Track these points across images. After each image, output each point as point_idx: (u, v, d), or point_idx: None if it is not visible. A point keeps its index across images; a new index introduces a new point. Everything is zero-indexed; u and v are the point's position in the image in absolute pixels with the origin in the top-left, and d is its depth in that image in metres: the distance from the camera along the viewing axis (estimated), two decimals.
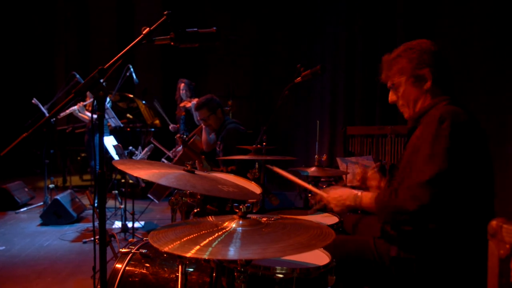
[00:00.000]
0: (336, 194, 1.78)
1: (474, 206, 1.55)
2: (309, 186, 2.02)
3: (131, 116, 7.34)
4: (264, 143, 2.68)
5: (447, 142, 1.48)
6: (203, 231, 1.28)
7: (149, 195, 4.59)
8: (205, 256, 1.13)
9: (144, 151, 4.33)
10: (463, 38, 3.71)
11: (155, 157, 4.98)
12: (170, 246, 1.18)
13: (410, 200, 1.46)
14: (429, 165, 1.47)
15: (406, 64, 1.71)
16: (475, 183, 1.55)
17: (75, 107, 5.35)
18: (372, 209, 1.64)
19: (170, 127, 6.08)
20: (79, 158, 7.49)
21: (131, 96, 7.38)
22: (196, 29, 1.45)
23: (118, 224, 4.57)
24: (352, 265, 1.69)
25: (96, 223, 1.29)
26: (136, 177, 4.28)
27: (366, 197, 1.67)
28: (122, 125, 5.63)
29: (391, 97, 1.82)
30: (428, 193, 1.44)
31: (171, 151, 5.11)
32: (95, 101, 1.29)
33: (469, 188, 1.53)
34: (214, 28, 1.49)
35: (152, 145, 4.45)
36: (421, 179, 1.46)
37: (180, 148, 4.92)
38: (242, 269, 1.24)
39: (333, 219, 2.18)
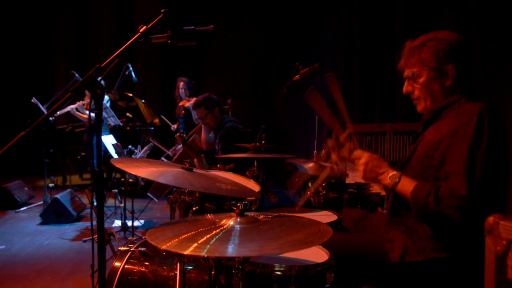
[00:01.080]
0: (374, 161, 1.64)
1: (495, 204, 1.52)
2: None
3: (130, 115, 7.34)
4: (263, 141, 2.68)
5: (488, 145, 1.44)
6: (201, 229, 1.28)
7: (148, 194, 4.60)
8: (203, 254, 1.13)
9: (144, 149, 4.34)
10: (463, 35, 3.70)
11: (154, 156, 4.98)
12: (168, 244, 1.18)
13: (455, 210, 1.41)
14: (472, 172, 1.43)
15: (431, 55, 1.63)
16: (504, 182, 1.53)
17: (73, 106, 5.35)
18: (406, 198, 1.56)
19: (171, 128, 6.08)
20: (79, 157, 7.49)
21: (131, 95, 7.38)
22: (193, 27, 1.46)
23: (118, 222, 4.58)
24: (351, 264, 1.67)
25: (95, 222, 1.29)
26: (136, 176, 4.28)
27: (404, 184, 1.56)
28: (121, 124, 5.63)
29: (407, 87, 1.73)
30: (474, 204, 1.40)
31: (170, 150, 5.11)
32: (93, 100, 1.29)
33: (500, 187, 1.51)
34: (211, 26, 1.49)
35: (151, 143, 4.45)
36: (465, 191, 1.41)
37: (179, 146, 4.92)
38: (240, 267, 1.24)
39: (332, 217, 2.19)
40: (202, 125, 4.28)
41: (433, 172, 1.57)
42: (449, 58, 1.62)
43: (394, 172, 1.60)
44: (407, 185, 1.55)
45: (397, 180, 1.58)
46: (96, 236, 1.28)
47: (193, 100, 4.96)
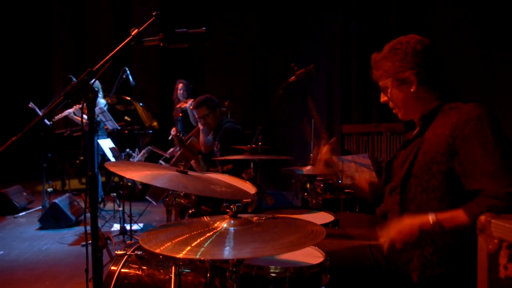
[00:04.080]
0: (399, 231, 1.52)
1: None
2: None
3: (129, 119, 7.33)
4: (260, 143, 2.68)
5: (497, 136, 1.45)
6: (195, 232, 1.28)
7: (147, 197, 4.60)
8: (197, 257, 1.13)
9: (141, 153, 4.34)
10: (458, 34, 3.71)
11: (153, 159, 4.98)
12: (161, 248, 1.18)
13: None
14: (505, 171, 1.40)
15: (389, 67, 1.67)
16: None
17: (71, 110, 5.35)
18: (460, 227, 1.41)
19: (171, 132, 6.06)
20: (77, 161, 7.48)
21: (129, 98, 7.37)
22: (185, 29, 1.46)
23: (116, 226, 4.57)
24: (347, 271, 1.67)
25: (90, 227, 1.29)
26: (133, 179, 4.28)
27: (447, 219, 1.44)
28: (119, 128, 5.63)
29: (383, 98, 1.80)
30: None
31: (168, 152, 5.11)
32: (85, 103, 1.29)
33: None
34: (204, 28, 1.49)
35: (149, 147, 4.46)
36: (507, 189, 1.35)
37: (178, 149, 4.92)
38: (234, 269, 1.24)
39: (329, 218, 2.18)
40: (200, 128, 4.27)
41: (440, 177, 1.55)
42: (407, 65, 1.64)
43: (425, 220, 1.46)
44: (448, 216, 1.45)
45: (438, 223, 1.44)
46: (89, 242, 1.28)
47: (191, 101, 4.95)
